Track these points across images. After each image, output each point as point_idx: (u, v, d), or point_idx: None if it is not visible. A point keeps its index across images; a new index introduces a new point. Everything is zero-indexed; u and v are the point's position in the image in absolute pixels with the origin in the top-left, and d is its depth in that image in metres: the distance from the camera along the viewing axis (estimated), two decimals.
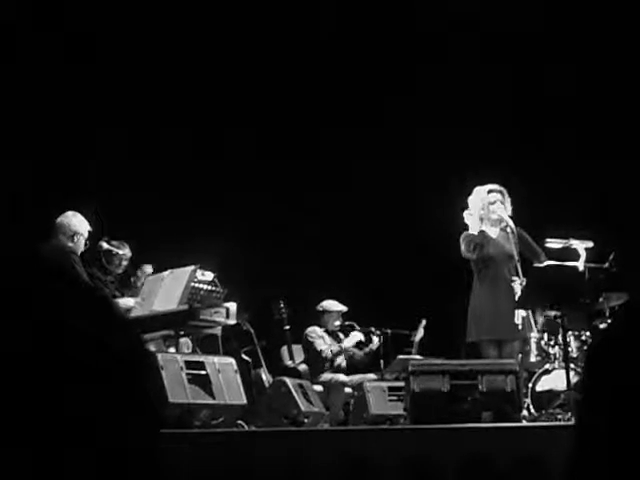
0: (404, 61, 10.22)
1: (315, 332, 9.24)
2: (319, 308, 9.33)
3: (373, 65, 10.27)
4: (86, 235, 7.14)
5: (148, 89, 9.76)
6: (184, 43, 9.85)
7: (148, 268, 7.54)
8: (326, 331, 9.31)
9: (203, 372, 6.36)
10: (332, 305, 9.34)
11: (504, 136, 9.84)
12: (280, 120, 10.28)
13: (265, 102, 10.16)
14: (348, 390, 8.82)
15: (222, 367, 6.50)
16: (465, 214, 7.23)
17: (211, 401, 6.30)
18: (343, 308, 9.33)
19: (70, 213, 7.19)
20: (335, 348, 9.16)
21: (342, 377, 8.99)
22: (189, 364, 6.33)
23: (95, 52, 9.58)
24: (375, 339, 9.29)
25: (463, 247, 7.22)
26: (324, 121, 10.29)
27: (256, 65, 10.14)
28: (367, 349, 9.34)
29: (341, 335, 9.37)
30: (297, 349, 9.26)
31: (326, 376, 8.97)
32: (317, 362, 9.09)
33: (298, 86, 10.22)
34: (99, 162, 9.38)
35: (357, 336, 9.27)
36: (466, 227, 7.28)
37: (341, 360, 9.21)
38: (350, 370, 9.21)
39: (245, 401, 6.55)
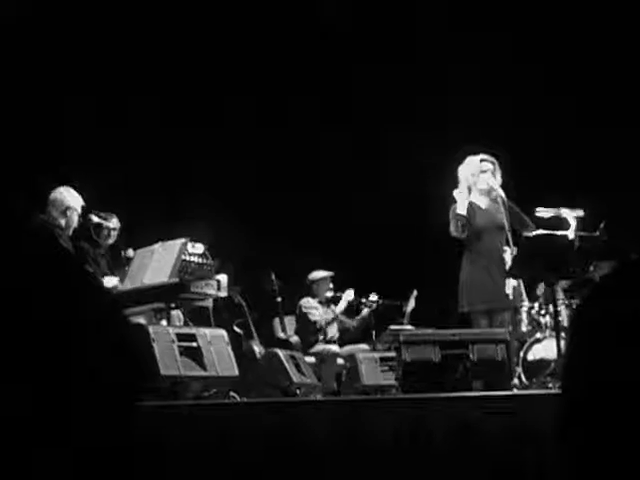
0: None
1: (309, 303, 9.28)
2: (308, 281, 9.37)
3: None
4: (79, 210, 7.13)
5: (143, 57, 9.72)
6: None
7: (130, 252, 7.50)
8: (320, 302, 9.35)
9: (194, 344, 6.35)
10: (319, 273, 9.38)
11: (494, 105, 9.82)
12: (273, 94, 10.27)
13: (262, 74, 10.16)
14: (340, 361, 8.86)
15: (213, 339, 6.49)
16: (455, 192, 7.21)
17: (203, 373, 6.30)
18: (329, 273, 9.36)
19: (63, 188, 7.16)
20: (329, 316, 9.20)
21: (334, 348, 9.02)
22: (180, 336, 6.32)
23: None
24: (365, 310, 9.31)
25: (451, 227, 7.21)
26: (317, 103, 10.31)
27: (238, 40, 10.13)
28: (359, 317, 9.37)
29: (333, 306, 9.40)
30: (289, 320, 9.29)
31: (318, 347, 9.00)
32: (310, 333, 9.12)
33: (294, 69, 10.24)
34: (89, 136, 9.34)
35: (348, 295, 9.28)
36: (454, 200, 7.25)
37: (334, 330, 9.24)
38: (342, 341, 9.25)
39: (237, 373, 6.55)
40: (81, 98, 9.43)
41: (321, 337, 9.13)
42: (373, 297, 9.32)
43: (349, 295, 9.29)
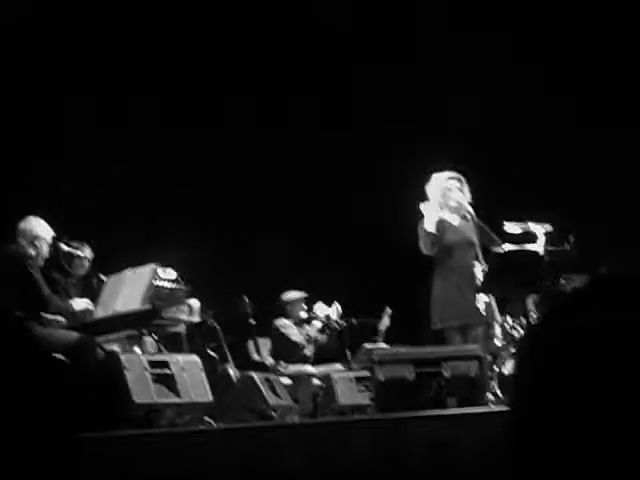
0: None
1: (284, 323, 9.26)
2: (282, 302, 9.35)
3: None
4: (49, 240, 7.07)
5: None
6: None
7: (101, 277, 7.47)
8: (294, 322, 9.34)
9: (167, 371, 6.33)
10: (293, 295, 9.37)
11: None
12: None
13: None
14: (316, 382, 8.84)
15: (187, 365, 6.47)
16: (421, 206, 7.22)
17: (177, 400, 6.28)
18: (303, 294, 9.35)
19: (32, 218, 7.12)
20: (307, 336, 9.20)
21: (310, 369, 9.01)
22: (153, 364, 6.29)
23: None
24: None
25: (421, 244, 7.22)
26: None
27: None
28: (327, 330, 9.31)
29: (307, 326, 9.39)
30: (263, 343, 9.26)
31: (294, 368, 8.98)
32: (291, 353, 9.11)
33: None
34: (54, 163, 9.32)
35: (318, 324, 9.30)
36: (422, 215, 7.26)
37: (309, 350, 9.23)
38: (317, 360, 9.23)
39: (211, 398, 6.53)
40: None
41: (301, 355, 9.12)
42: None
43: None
